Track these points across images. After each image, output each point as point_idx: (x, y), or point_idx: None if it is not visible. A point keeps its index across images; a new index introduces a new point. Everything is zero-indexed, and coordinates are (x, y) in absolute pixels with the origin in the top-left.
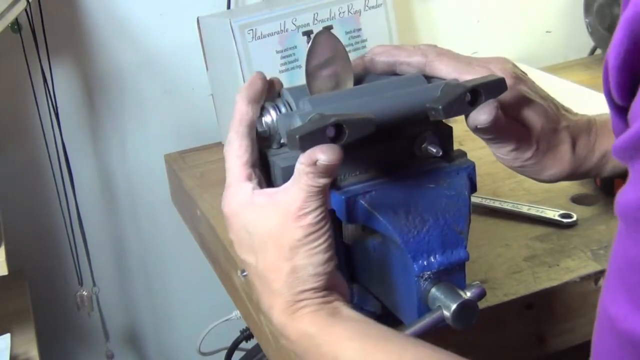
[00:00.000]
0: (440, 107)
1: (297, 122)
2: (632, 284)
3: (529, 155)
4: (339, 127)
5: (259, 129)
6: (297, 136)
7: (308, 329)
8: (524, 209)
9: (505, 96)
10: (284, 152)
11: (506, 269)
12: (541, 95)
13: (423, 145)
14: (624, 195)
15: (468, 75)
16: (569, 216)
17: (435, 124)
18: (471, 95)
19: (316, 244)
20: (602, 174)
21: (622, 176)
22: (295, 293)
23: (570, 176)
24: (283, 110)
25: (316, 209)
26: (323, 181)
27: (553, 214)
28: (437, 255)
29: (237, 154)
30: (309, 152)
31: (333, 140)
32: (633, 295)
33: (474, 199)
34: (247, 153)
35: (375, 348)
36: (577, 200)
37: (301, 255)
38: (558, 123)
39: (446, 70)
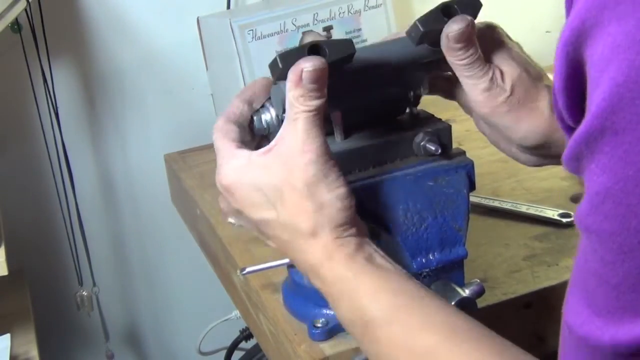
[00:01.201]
0: (416, 21)
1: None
2: (592, 290)
3: (502, 99)
4: (318, 48)
5: (257, 126)
6: (277, 56)
7: (345, 273)
8: (524, 209)
9: (484, 35)
10: None
11: (505, 268)
12: (525, 55)
13: (422, 143)
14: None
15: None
16: (568, 215)
17: (424, 64)
18: (445, 10)
19: (333, 176)
20: None
21: None
22: (329, 230)
23: (547, 141)
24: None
25: (318, 137)
26: (316, 102)
27: (552, 213)
28: (435, 253)
29: (224, 135)
30: (292, 69)
31: None
32: (591, 302)
33: (474, 199)
34: (234, 133)
35: (404, 306)
36: (577, 199)
37: (322, 190)
38: (539, 79)
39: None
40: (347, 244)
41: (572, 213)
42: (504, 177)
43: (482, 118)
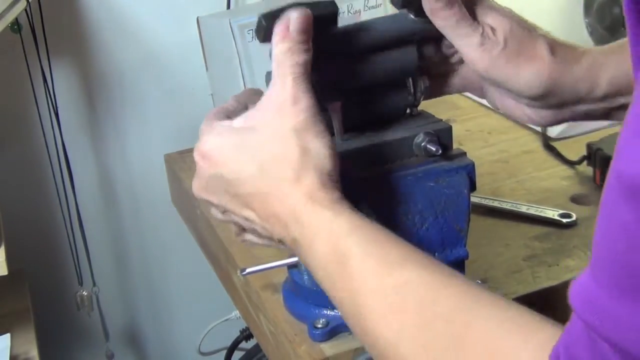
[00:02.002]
0: None
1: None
2: None
3: (497, 51)
4: (298, 5)
5: None
6: (260, 16)
7: (326, 213)
8: (524, 209)
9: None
10: None
11: (506, 268)
12: (515, 13)
13: (422, 144)
14: None
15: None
16: (568, 216)
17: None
18: None
19: (321, 127)
20: (595, 92)
21: (622, 93)
22: (314, 176)
23: (553, 87)
24: None
25: (308, 92)
26: (304, 57)
27: (553, 213)
28: (436, 254)
29: (210, 120)
30: (279, 23)
31: None
32: None
33: (474, 199)
34: (221, 119)
35: (383, 242)
36: (577, 200)
37: (310, 136)
38: (533, 29)
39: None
40: (331, 192)
41: (572, 213)
42: (504, 178)
43: (484, 77)
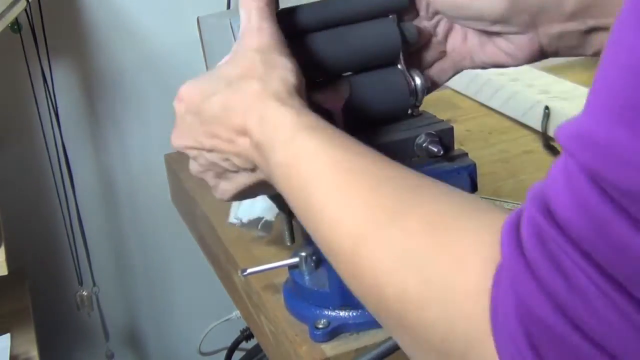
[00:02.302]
0: None
1: None
2: None
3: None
4: None
5: None
6: None
7: (289, 109)
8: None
9: None
10: None
11: None
12: None
13: (424, 145)
14: None
15: None
16: None
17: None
18: None
19: (286, 50)
20: (564, 6)
21: (592, 15)
22: (279, 84)
23: (513, 5)
24: None
25: (271, 21)
26: None
27: None
28: None
29: None
30: None
31: None
32: None
33: None
34: None
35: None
36: None
37: (274, 55)
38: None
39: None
40: (298, 98)
41: None
42: (504, 177)
43: (447, 12)
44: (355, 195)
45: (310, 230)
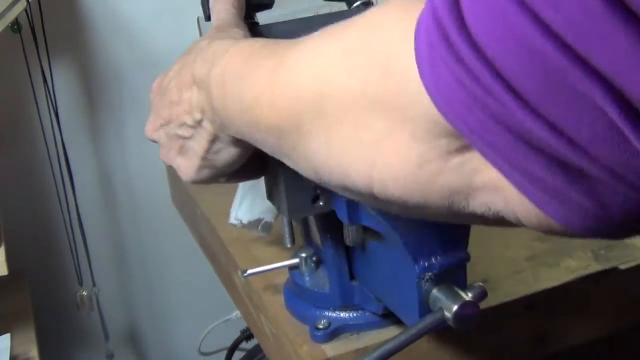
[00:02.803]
0: None
1: None
2: None
3: None
4: None
5: None
6: None
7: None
8: None
9: None
10: None
11: (507, 269)
12: None
13: None
14: None
15: None
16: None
17: None
18: None
19: (244, 29)
20: None
21: None
22: (225, 36)
23: None
24: None
25: (240, 22)
26: None
27: None
28: (437, 256)
29: None
30: None
31: None
32: None
33: None
34: None
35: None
36: None
37: (229, 27)
38: None
39: None
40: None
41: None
42: None
43: None
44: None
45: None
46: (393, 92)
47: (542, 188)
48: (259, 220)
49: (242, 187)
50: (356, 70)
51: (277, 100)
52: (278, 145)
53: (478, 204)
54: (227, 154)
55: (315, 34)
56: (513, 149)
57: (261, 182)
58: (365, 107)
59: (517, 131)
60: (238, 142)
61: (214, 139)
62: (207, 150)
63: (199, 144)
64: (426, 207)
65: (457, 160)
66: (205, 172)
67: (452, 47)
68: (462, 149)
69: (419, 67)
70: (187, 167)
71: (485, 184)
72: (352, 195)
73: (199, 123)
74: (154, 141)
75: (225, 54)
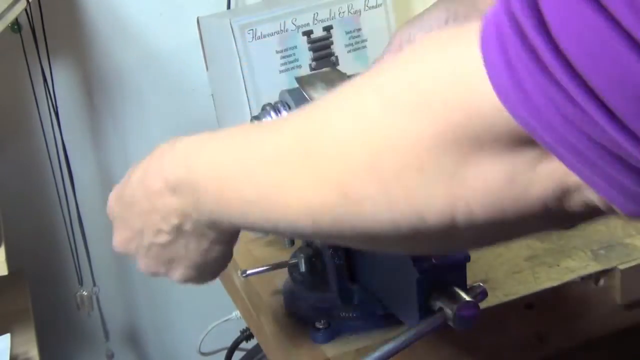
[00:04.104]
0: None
1: None
2: None
3: None
4: None
5: None
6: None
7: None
8: None
9: None
10: None
11: (506, 269)
12: None
13: None
14: None
15: None
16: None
17: None
18: None
19: None
20: None
21: None
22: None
23: None
24: (283, 112)
25: None
26: None
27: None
28: (437, 256)
29: None
30: None
31: None
32: None
33: None
34: None
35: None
36: None
37: None
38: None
39: None
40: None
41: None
42: None
43: None
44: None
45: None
46: (465, 119)
47: (632, 199)
48: None
49: None
50: (413, 110)
51: (310, 173)
52: (312, 227)
53: (574, 202)
54: (215, 252)
55: (341, 89)
56: (605, 164)
57: None
58: (431, 145)
59: (610, 149)
60: (227, 240)
61: (199, 240)
62: (194, 252)
63: (183, 248)
64: (515, 222)
65: (545, 166)
66: (193, 273)
67: (542, 64)
68: (548, 154)
69: (496, 84)
70: (175, 272)
71: (578, 184)
72: (413, 243)
73: (177, 228)
74: (127, 254)
75: (203, 147)
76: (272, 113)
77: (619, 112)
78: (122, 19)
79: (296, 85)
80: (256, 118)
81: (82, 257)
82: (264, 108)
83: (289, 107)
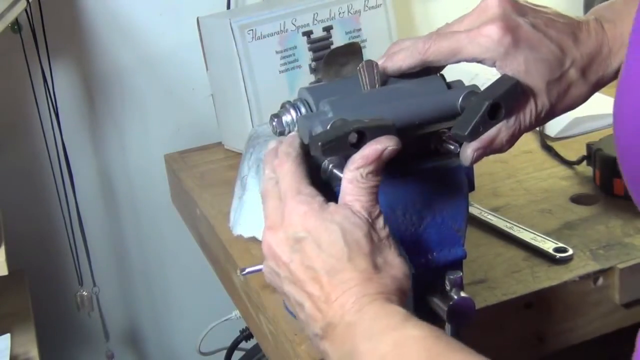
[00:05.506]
0: (466, 133)
1: (319, 128)
2: None
3: (543, 114)
4: (360, 133)
5: (278, 128)
6: (319, 143)
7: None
8: (517, 231)
9: (504, 70)
10: None
11: (505, 268)
12: (542, 35)
13: (443, 144)
14: None
15: (467, 52)
16: (563, 250)
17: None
18: (491, 110)
19: (395, 245)
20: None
21: None
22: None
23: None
24: (302, 110)
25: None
26: (378, 178)
27: (548, 246)
28: (434, 253)
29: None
30: (371, 148)
31: (354, 146)
32: None
33: (472, 210)
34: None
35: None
36: (577, 200)
37: (386, 251)
38: (562, 65)
39: (445, 57)
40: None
41: (568, 248)
42: (503, 178)
43: (442, 61)
44: None
45: None
46: None
47: None
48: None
49: (236, 196)
50: None
51: None
52: None
53: None
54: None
55: None
56: None
57: (257, 196)
58: None
59: None
60: None
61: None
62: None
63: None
64: None
65: None
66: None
67: None
68: None
69: None
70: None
71: None
72: None
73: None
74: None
75: (390, 333)
76: (292, 111)
77: None
78: (122, 19)
79: (297, 83)
80: (275, 116)
81: (82, 257)
82: (283, 106)
83: (308, 105)
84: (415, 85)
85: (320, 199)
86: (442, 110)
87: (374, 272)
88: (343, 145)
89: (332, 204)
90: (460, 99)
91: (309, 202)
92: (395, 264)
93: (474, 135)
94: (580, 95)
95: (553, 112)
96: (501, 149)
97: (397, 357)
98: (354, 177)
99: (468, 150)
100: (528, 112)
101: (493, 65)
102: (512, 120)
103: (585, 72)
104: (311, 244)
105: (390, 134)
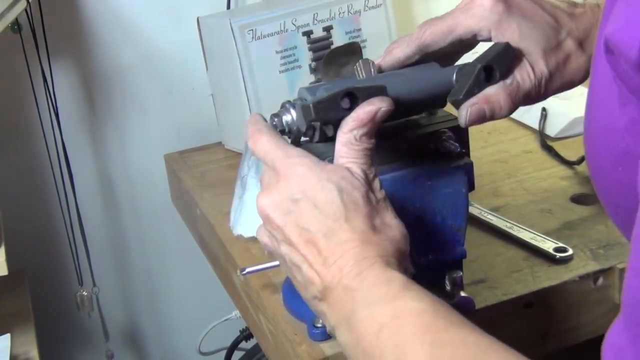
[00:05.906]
0: (461, 96)
1: (309, 98)
2: None
3: (542, 82)
4: (352, 96)
5: (279, 129)
6: (311, 104)
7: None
8: (516, 230)
9: (498, 37)
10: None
11: (505, 268)
12: (536, 6)
13: (443, 144)
14: None
15: (462, 26)
16: (563, 250)
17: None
18: (486, 74)
19: (393, 213)
20: None
21: None
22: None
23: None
24: None
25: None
26: (372, 141)
27: (548, 245)
28: (434, 253)
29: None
30: (365, 110)
31: (347, 110)
32: None
33: (472, 210)
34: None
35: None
36: (577, 200)
37: (384, 213)
38: (558, 34)
39: (442, 37)
40: (397, 269)
41: (568, 248)
42: (503, 177)
43: (439, 42)
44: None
45: None
46: None
47: None
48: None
49: (236, 196)
50: None
51: None
52: None
53: None
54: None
55: None
56: None
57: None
58: None
59: None
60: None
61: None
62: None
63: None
64: None
65: None
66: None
67: None
68: None
69: None
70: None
71: None
72: None
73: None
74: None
75: (389, 302)
76: (292, 110)
77: None
78: (122, 19)
79: (297, 83)
80: (276, 116)
81: (82, 257)
82: (283, 105)
83: None
84: (411, 70)
85: (313, 157)
86: (437, 83)
87: (372, 233)
88: (335, 106)
89: (328, 163)
90: (455, 73)
91: (303, 163)
92: (392, 225)
93: (469, 98)
94: (579, 67)
95: (553, 83)
96: (500, 112)
97: (395, 328)
98: (348, 139)
99: (462, 110)
100: (525, 75)
101: (489, 36)
102: (508, 81)
103: (582, 44)
104: (307, 204)
105: (383, 96)
